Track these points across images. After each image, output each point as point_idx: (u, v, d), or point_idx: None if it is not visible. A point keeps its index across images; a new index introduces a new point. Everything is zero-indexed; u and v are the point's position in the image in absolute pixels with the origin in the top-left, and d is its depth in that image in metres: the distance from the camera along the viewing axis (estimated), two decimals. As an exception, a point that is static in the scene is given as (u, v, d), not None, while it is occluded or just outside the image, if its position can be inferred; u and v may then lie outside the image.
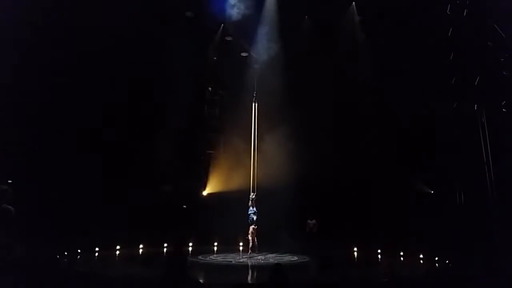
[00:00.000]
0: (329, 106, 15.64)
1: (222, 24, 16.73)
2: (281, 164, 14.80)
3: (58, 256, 10.78)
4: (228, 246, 15.24)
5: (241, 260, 12.89)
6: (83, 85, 13.22)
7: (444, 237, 12.19)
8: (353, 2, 16.12)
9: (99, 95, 13.46)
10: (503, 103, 11.57)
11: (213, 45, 17.36)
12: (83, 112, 13.28)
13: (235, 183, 15.53)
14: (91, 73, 13.30)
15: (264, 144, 15.23)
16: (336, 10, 15.89)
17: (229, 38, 17.08)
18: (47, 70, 12.23)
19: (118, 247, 14.24)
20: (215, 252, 14.88)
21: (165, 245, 14.97)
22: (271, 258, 13.39)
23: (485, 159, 11.90)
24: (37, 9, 11.79)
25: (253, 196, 13.57)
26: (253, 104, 14.70)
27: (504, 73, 11.51)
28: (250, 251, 13.10)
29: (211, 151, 17.93)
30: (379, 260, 14.07)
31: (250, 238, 13.09)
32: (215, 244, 16.00)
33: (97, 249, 13.35)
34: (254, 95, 14.84)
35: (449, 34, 13.23)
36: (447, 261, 11.85)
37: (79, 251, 12.38)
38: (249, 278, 10.60)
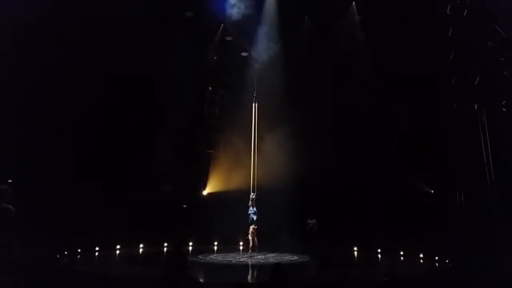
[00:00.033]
0: (329, 106, 15.63)
1: (222, 24, 16.72)
2: (281, 164, 14.81)
3: (58, 256, 10.81)
4: (228, 245, 15.24)
5: (241, 260, 12.90)
6: (83, 85, 13.22)
7: (444, 237, 12.19)
8: (353, 2, 16.10)
9: (99, 95, 13.46)
10: (503, 103, 11.57)
11: (213, 45, 17.35)
12: (83, 112, 13.28)
13: (235, 183, 15.54)
14: (91, 73, 13.29)
15: (264, 144, 15.24)
16: (336, 10, 15.87)
17: (229, 38, 17.08)
18: (47, 70, 12.22)
19: (118, 246, 14.24)
20: (215, 251, 14.89)
21: (165, 244, 14.97)
22: (271, 257, 13.39)
23: (485, 159, 11.91)
24: (37, 9, 11.78)
25: (253, 196, 13.58)
26: (253, 104, 14.71)
27: (504, 73, 11.51)
28: (250, 251, 13.11)
29: (211, 151, 17.93)
30: (379, 260, 14.06)
31: (250, 238, 13.10)
32: (215, 243, 16.01)
33: (97, 248, 13.35)
34: (254, 95, 14.85)
35: (449, 34, 13.22)
36: (447, 261, 11.84)
37: (79, 251, 12.38)
38: (249, 277, 10.60)
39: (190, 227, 15.50)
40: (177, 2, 15.40)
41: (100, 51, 13.15)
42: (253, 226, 13.17)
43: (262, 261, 12.70)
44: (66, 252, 11.46)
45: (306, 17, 16.57)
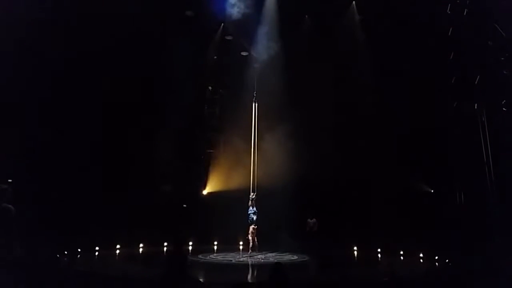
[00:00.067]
0: (329, 106, 15.63)
1: (222, 24, 16.71)
2: (281, 164, 14.80)
3: (58, 256, 10.81)
4: (228, 245, 15.25)
5: (241, 259, 12.90)
6: (83, 85, 13.22)
7: (444, 237, 12.18)
8: (353, 2, 16.10)
9: (99, 95, 13.46)
10: (503, 103, 11.57)
11: (213, 44, 17.34)
12: (83, 112, 13.28)
13: (235, 182, 15.54)
14: (91, 73, 13.29)
15: (264, 144, 15.23)
16: (336, 10, 15.87)
17: (229, 38, 17.07)
18: (47, 70, 12.22)
19: (118, 246, 14.24)
20: (215, 251, 14.89)
21: (165, 244, 14.97)
22: (271, 257, 13.39)
23: (485, 159, 11.90)
24: (36, 9, 11.78)
25: (253, 196, 13.59)
26: (253, 104, 14.70)
27: (504, 72, 11.50)
28: (250, 250, 13.10)
29: (211, 151, 17.92)
30: (379, 259, 14.06)
31: (250, 238, 13.11)
32: (215, 243, 16.01)
33: (97, 248, 13.35)
34: (254, 95, 14.85)
35: (449, 33, 13.22)
36: (447, 261, 11.84)
37: (79, 250, 12.38)
38: (249, 277, 10.60)
39: (190, 227, 15.52)
40: (177, 2, 15.40)
41: (100, 51, 13.15)
42: (253, 226, 13.18)
43: (262, 260, 12.71)
44: (66, 252, 11.46)
45: (306, 16, 16.57)
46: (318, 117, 15.56)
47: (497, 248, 10.33)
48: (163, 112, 15.63)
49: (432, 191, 14.66)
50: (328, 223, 14.84)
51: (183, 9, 15.92)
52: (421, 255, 13.29)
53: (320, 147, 15.23)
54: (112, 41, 13.31)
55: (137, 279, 8.81)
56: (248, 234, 13.18)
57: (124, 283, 8.26)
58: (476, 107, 12.41)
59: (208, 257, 13.00)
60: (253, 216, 13.28)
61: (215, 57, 17.67)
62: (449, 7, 13.06)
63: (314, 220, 15.03)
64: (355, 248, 15.55)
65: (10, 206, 8.64)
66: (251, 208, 13.41)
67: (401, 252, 14.06)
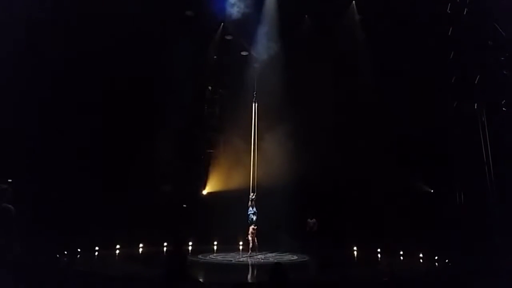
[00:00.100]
0: (329, 106, 15.62)
1: (222, 23, 16.70)
2: (281, 164, 14.80)
3: (58, 256, 10.82)
4: (228, 245, 15.25)
5: (241, 259, 12.89)
6: (83, 84, 13.21)
7: (444, 237, 12.18)
8: (353, 2, 16.09)
9: (99, 94, 13.45)
10: (503, 102, 11.57)
11: (213, 44, 17.33)
12: (83, 111, 13.28)
13: (235, 182, 15.53)
14: (91, 73, 13.29)
15: (264, 144, 15.23)
16: (336, 10, 15.86)
17: (229, 37, 17.06)
18: (46, 70, 12.22)
19: (118, 246, 14.24)
20: (215, 251, 14.89)
21: (165, 244, 14.97)
22: (271, 257, 13.39)
23: (485, 159, 11.90)
24: (36, 9, 11.77)
25: (253, 196, 13.57)
26: (253, 104, 14.69)
27: (504, 72, 11.50)
28: (250, 251, 13.10)
29: (211, 151, 17.92)
30: (379, 259, 14.06)
31: (250, 238, 13.09)
32: (215, 243, 16.01)
33: (97, 248, 13.35)
34: (254, 95, 14.83)
35: (449, 33, 13.21)
36: (447, 261, 11.84)
37: (79, 250, 12.38)
38: (249, 277, 10.60)
39: (190, 227, 15.52)
40: (177, 2, 15.39)
41: (100, 51, 13.15)
42: (253, 226, 13.17)
43: (262, 260, 12.71)
44: (66, 252, 11.47)
45: (306, 16, 16.56)
46: (318, 117, 15.54)
47: (497, 248, 10.34)
48: (163, 112, 15.62)
49: (432, 191, 14.65)
50: (328, 223, 14.84)
51: (183, 9, 15.91)
52: (421, 255, 13.28)
53: (320, 147, 15.22)
54: (112, 41, 13.30)
55: (137, 279, 8.81)
56: (248, 234, 13.17)
57: (124, 283, 8.26)
58: (476, 107, 12.41)
59: (208, 257, 13.00)
60: (252, 216, 13.27)
61: (215, 57, 17.65)
62: (449, 7, 13.06)
63: (314, 220, 15.03)
64: (355, 248, 15.55)
65: (10, 206, 8.62)
66: (250, 208, 13.40)
67: (401, 252, 14.06)
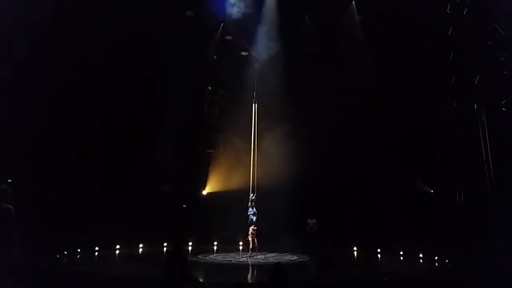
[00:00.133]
0: (329, 106, 15.63)
1: (222, 23, 16.70)
2: (281, 164, 14.80)
3: (58, 256, 10.82)
4: (228, 245, 15.25)
5: (241, 260, 12.89)
6: (83, 84, 13.21)
7: (444, 237, 12.18)
8: (353, 2, 16.09)
9: (99, 94, 13.45)
10: (503, 103, 11.57)
11: (213, 44, 17.33)
12: (83, 112, 13.27)
13: (235, 182, 15.53)
14: (91, 73, 13.29)
15: (264, 144, 15.23)
16: (336, 10, 15.86)
17: (229, 37, 17.06)
18: (47, 70, 12.22)
19: (118, 246, 14.23)
20: (215, 251, 14.89)
21: (165, 244, 14.97)
22: (271, 257, 13.39)
23: (485, 159, 11.90)
24: (36, 9, 11.76)
25: (253, 197, 13.55)
26: (253, 105, 14.68)
27: (504, 72, 11.50)
28: (250, 252, 13.09)
29: (211, 151, 17.92)
30: (379, 260, 14.06)
31: (250, 239, 13.08)
32: (215, 243, 16.01)
33: (97, 248, 13.34)
34: (254, 95, 14.82)
35: (449, 33, 13.21)
36: (447, 261, 11.84)
37: (79, 250, 12.37)
38: (249, 277, 10.59)
39: (190, 227, 15.52)
40: (177, 2, 15.39)
41: (100, 51, 13.15)
42: (252, 227, 13.15)
43: (262, 261, 12.70)
44: (66, 252, 11.47)
45: (306, 16, 16.56)
46: (318, 117, 15.56)
47: (497, 248, 10.34)
48: (163, 112, 15.62)
49: (432, 191, 14.66)
50: (328, 223, 14.84)
51: (183, 9, 15.91)
52: (421, 255, 13.28)
53: (320, 147, 15.23)
54: (112, 41, 13.30)
55: (137, 279, 8.82)
56: (248, 235, 13.16)
57: (124, 284, 8.26)
58: (476, 107, 12.41)
59: (208, 257, 13.00)
60: (252, 217, 13.25)
61: (215, 57, 17.66)
62: (449, 7, 13.06)
63: (314, 220, 15.04)
64: (355, 248, 15.55)
65: (10, 206, 8.62)
66: (250, 209, 13.38)
67: (401, 252, 14.06)
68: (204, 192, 17.17)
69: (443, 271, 11.34)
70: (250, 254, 13.08)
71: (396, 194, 14.36)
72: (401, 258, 13.80)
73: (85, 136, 13.28)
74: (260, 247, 13.37)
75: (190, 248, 15.15)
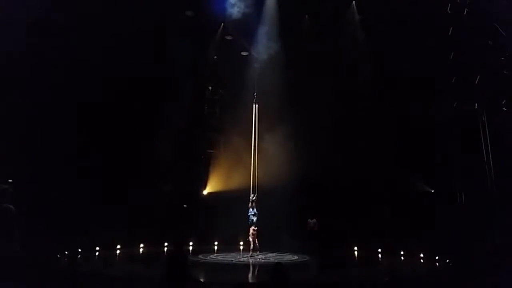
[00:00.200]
0: (329, 106, 15.62)
1: (222, 23, 16.71)
2: (281, 164, 14.80)
3: (58, 256, 10.82)
4: (229, 245, 15.24)
5: (242, 260, 12.89)
6: (83, 84, 13.21)
7: (444, 237, 12.19)
8: (353, 2, 16.10)
9: (99, 95, 13.45)
10: (503, 102, 11.57)
11: (213, 44, 17.34)
12: (83, 112, 13.27)
13: (235, 182, 15.53)
14: (91, 73, 13.28)
15: (264, 144, 15.23)
16: (336, 10, 15.86)
17: (229, 37, 17.07)
18: (47, 70, 12.21)
19: (118, 246, 14.23)
20: (216, 251, 14.88)
21: (165, 244, 14.96)
22: (272, 257, 13.39)
23: (485, 159, 11.90)
24: (36, 9, 11.77)
25: (253, 198, 13.54)
26: (254, 105, 14.67)
27: (505, 72, 11.50)
28: (251, 252, 13.08)
29: (211, 151, 17.93)
30: (379, 259, 14.06)
31: (251, 239, 13.07)
32: (216, 243, 16.00)
33: (97, 248, 13.34)
34: (255, 96, 14.82)
35: (449, 33, 13.22)
36: (447, 261, 11.84)
37: (79, 251, 12.37)
38: (249, 277, 10.59)
39: (190, 227, 15.51)
40: (177, 2, 15.39)
41: (100, 51, 13.14)
42: (253, 227, 13.15)
43: (263, 261, 12.70)
44: (66, 252, 11.47)
45: (306, 16, 16.57)
46: (318, 117, 15.55)
47: (497, 248, 10.33)
48: (163, 112, 15.62)
49: (432, 191, 14.66)
50: (328, 223, 14.84)
51: (183, 9, 15.91)
52: (421, 255, 13.28)
53: (320, 147, 15.22)
54: (112, 41, 13.29)
55: (137, 279, 8.81)
56: (248, 236, 13.15)
57: (124, 284, 8.26)
58: (476, 107, 12.41)
59: (208, 257, 13.00)
60: (253, 217, 13.24)
61: (215, 57, 17.66)
62: (449, 7, 13.06)
63: (314, 220, 15.05)
64: (355, 248, 15.55)
65: (10, 206, 8.62)
66: (251, 209, 13.37)
67: (402, 252, 14.06)
68: (205, 192, 17.17)
69: (443, 271, 11.33)
70: (251, 254, 13.08)
71: (396, 194, 14.36)
72: (402, 258, 13.80)
73: (85, 136, 13.27)
74: (261, 247, 13.36)
75: (190, 248, 15.15)
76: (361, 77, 15.28)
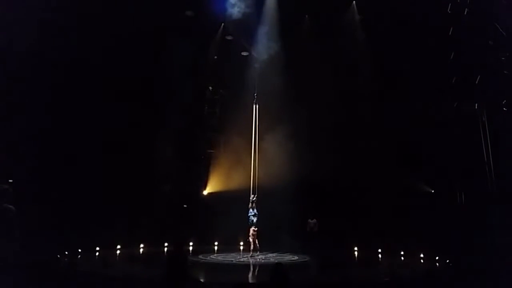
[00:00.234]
0: (329, 106, 15.61)
1: (223, 24, 16.72)
2: (281, 164, 14.79)
3: (58, 256, 10.82)
4: (229, 245, 15.24)
5: (242, 260, 12.89)
6: (83, 84, 13.21)
7: (444, 237, 12.18)
8: (353, 2, 16.10)
9: (99, 95, 13.45)
10: (503, 102, 11.57)
11: (213, 44, 17.34)
12: (83, 112, 13.27)
13: (235, 182, 15.53)
14: (91, 73, 13.29)
15: (264, 144, 15.22)
16: (336, 10, 15.86)
17: (229, 37, 17.07)
18: (47, 70, 12.22)
19: (118, 246, 14.23)
20: (216, 251, 14.88)
21: (166, 244, 14.96)
22: (272, 257, 13.39)
23: (485, 159, 11.90)
24: (36, 9, 11.77)
25: (254, 198, 13.53)
26: (254, 106, 14.66)
27: (505, 72, 11.50)
28: (251, 253, 13.08)
29: (211, 151, 17.92)
30: (380, 260, 14.06)
31: (251, 240, 13.06)
32: (216, 243, 16.00)
33: (97, 248, 13.34)
34: (255, 96, 14.81)
35: (450, 33, 13.21)
36: (447, 261, 11.84)
37: (79, 251, 12.38)
38: (249, 277, 10.59)
39: (190, 227, 15.51)
40: (177, 2, 15.39)
41: (100, 51, 13.14)
42: (253, 228, 13.13)
43: (263, 261, 12.70)
44: (66, 252, 11.46)
45: (306, 16, 16.56)
46: (318, 117, 15.55)
47: (497, 248, 10.33)
48: (163, 112, 15.61)
49: (432, 191, 14.65)
50: (328, 224, 14.84)
51: (183, 9, 15.91)
52: (421, 255, 13.27)
53: (321, 147, 15.22)
54: (112, 41, 13.29)
55: (137, 279, 8.81)
56: (248, 236, 13.15)
57: (124, 284, 8.26)
58: (476, 107, 12.41)
59: (208, 258, 12.99)
60: (253, 218, 13.22)
61: (216, 57, 17.66)
62: (449, 7, 13.06)
63: (314, 220, 15.04)
64: (355, 248, 15.54)
65: (10, 206, 8.63)
66: (251, 210, 13.36)
67: (402, 252, 14.05)
68: (205, 192, 17.17)
69: (443, 271, 11.33)
70: (251, 255, 13.07)
71: (396, 194, 14.35)
72: (402, 258, 13.80)
73: (85, 136, 13.27)
74: (261, 247, 13.35)
75: (190, 248, 15.14)
76: (361, 77, 15.27)
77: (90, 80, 13.33)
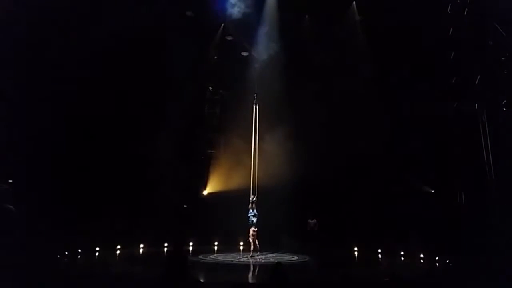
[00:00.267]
0: (329, 106, 15.62)
1: (223, 24, 16.73)
2: (281, 164, 14.80)
3: (58, 256, 10.82)
4: (229, 245, 15.24)
5: (242, 260, 12.89)
6: (83, 85, 13.20)
7: (445, 237, 12.18)
8: (353, 2, 16.10)
9: (99, 95, 13.45)
10: (503, 103, 11.56)
11: (213, 44, 17.35)
12: (83, 112, 13.28)
13: (235, 182, 15.53)
14: (91, 73, 13.28)
15: (264, 144, 15.23)
16: (336, 10, 15.86)
17: (229, 38, 17.08)
18: (47, 69, 12.22)
19: (118, 246, 14.23)
20: (216, 251, 14.88)
21: (165, 244, 14.96)
22: (272, 257, 13.39)
23: (485, 159, 11.90)
24: (37, 9, 11.77)
25: (254, 199, 13.53)
26: (254, 106, 14.66)
27: (505, 72, 11.49)
28: (251, 253, 13.07)
29: (211, 151, 17.93)
30: (380, 260, 14.06)
31: (251, 240, 13.06)
32: (216, 243, 16.00)
33: (97, 248, 13.35)
34: (255, 96, 14.81)
35: (450, 33, 13.21)
36: (447, 261, 11.83)
37: (79, 251, 12.38)
38: (249, 277, 10.60)
39: (190, 227, 15.51)
40: (177, 2, 15.39)
41: (100, 51, 13.14)
42: (253, 228, 13.14)
43: (263, 261, 12.70)
44: (66, 252, 11.47)
45: (306, 16, 16.56)
46: (318, 117, 15.54)
47: (497, 248, 10.33)
48: (164, 112, 15.62)
49: (432, 191, 14.65)
50: (328, 224, 14.83)
51: (183, 9, 15.91)
52: (421, 255, 13.27)
53: (320, 147, 15.22)
54: (112, 41, 13.30)
55: (137, 279, 8.81)
56: (248, 237, 13.15)
57: (124, 284, 8.25)
58: (476, 107, 12.41)
59: (208, 258, 13.00)
60: (253, 218, 13.23)
61: (216, 57, 17.66)
62: (449, 7, 13.06)
63: (314, 220, 15.04)
64: (355, 248, 15.54)
65: (10, 206, 8.63)
66: (251, 210, 13.36)
67: (402, 253, 14.05)
68: (205, 192, 17.17)
69: (443, 271, 11.33)
70: (251, 255, 13.07)
71: (396, 194, 14.35)
72: (402, 258, 13.79)
73: (85, 136, 13.27)
74: (261, 247, 13.35)
75: (190, 248, 15.14)
76: (361, 77, 15.26)
77: (90, 80, 13.32)
